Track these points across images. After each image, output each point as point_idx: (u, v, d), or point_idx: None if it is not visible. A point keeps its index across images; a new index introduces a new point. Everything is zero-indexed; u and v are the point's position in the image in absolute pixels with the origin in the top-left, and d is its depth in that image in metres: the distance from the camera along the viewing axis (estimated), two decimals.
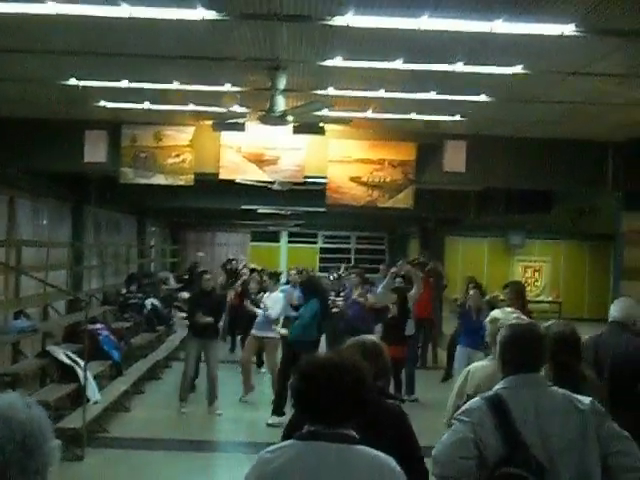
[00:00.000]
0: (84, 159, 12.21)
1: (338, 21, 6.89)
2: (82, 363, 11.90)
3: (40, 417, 2.37)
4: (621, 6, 6.31)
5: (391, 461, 3.28)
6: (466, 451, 3.93)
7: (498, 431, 3.94)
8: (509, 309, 6.31)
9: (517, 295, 11.20)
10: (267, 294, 14.49)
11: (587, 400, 4.13)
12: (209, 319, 13.43)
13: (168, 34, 7.61)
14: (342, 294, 16.71)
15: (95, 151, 12.14)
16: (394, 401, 4.91)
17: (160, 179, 12.47)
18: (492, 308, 13.22)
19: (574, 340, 5.36)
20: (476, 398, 4.20)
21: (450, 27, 6.95)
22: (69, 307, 16.93)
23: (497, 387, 4.22)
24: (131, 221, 25.39)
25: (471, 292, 13.70)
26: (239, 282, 18.56)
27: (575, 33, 6.94)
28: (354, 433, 3.29)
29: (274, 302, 14.07)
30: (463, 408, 4.17)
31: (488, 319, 6.02)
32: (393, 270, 14.17)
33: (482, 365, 6.02)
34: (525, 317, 5.79)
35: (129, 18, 6.85)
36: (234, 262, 24.46)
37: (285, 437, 4.09)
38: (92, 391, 12.01)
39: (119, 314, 19.11)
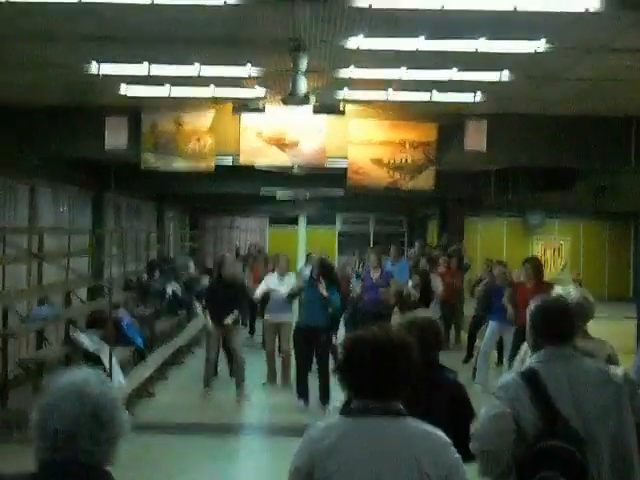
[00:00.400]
0: (105, 146, 12.20)
1: (360, 2, 6.84)
2: (106, 349, 11.94)
3: (112, 392, 2.65)
4: None
5: (442, 434, 3.29)
6: (504, 425, 3.94)
7: (534, 405, 3.94)
8: (570, 286, 6.19)
9: (535, 271, 11.40)
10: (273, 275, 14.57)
11: (620, 370, 4.19)
12: (233, 316, 13.36)
13: (190, 17, 7.58)
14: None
15: (116, 137, 12.13)
16: (452, 374, 5.06)
17: (181, 164, 12.46)
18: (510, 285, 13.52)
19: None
20: (511, 374, 4.22)
21: (473, 6, 6.91)
22: (91, 294, 16.99)
23: (530, 361, 4.24)
24: (150, 207, 25.45)
25: (496, 270, 14.01)
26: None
27: (600, 8, 6.87)
28: (402, 406, 3.27)
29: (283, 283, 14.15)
30: (499, 384, 4.17)
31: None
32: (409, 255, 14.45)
33: None
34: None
35: (151, 3, 6.83)
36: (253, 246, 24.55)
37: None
38: (117, 376, 12.05)
39: (140, 300, 19.14)
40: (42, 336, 13.64)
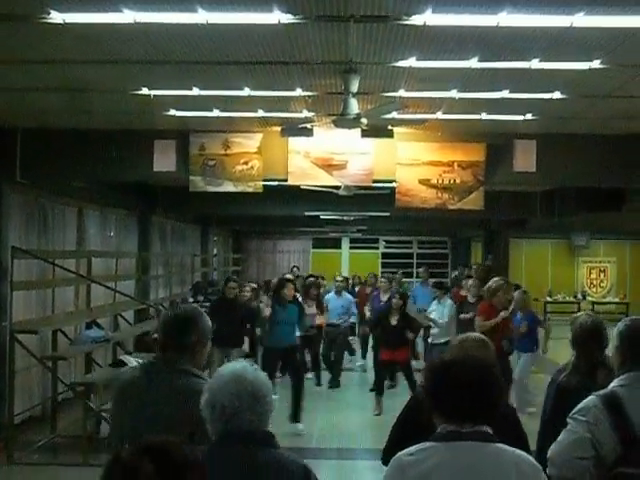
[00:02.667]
0: (154, 168, 12.27)
1: (415, 20, 6.81)
2: None
3: (263, 377, 3.45)
4: None
5: (532, 459, 3.25)
6: (583, 451, 3.86)
7: (614, 430, 3.86)
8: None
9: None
10: None
11: None
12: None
13: (242, 40, 7.58)
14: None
15: (164, 160, 12.19)
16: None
17: (229, 186, 12.48)
18: None
19: (599, 330, 5.51)
20: (592, 396, 4.10)
21: (529, 23, 6.84)
22: (138, 317, 17.08)
23: (613, 384, 4.14)
24: (195, 231, 25.59)
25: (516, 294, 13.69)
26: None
27: None
28: (490, 430, 3.24)
29: None
30: (579, 406, 4.08)
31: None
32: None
33: None
34: None
35: (206, 24, 6.86)
36: (295, 269, 24.49)
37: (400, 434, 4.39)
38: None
39: None
40: (90, 358, 13.71)
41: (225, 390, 3.34)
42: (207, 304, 19.88)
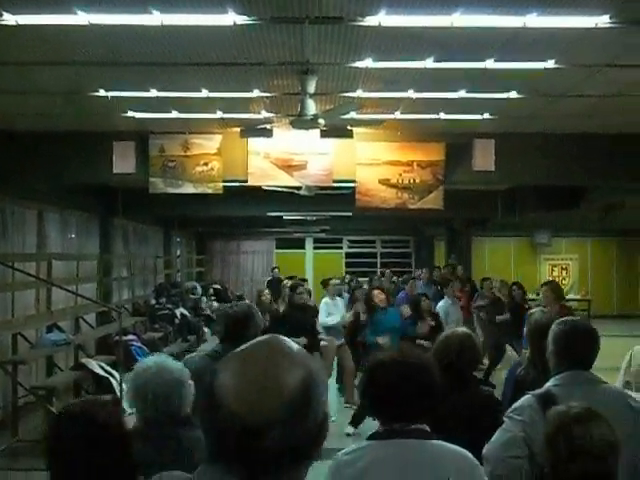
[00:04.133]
0: (113, 170, 12.21)
1: (370, 21, 6.85)
2: (117, 374, 11.90)
3: (182, 366, 4.05)
4: None
5: (470, 455, 3.27)
6: (516, 450, 3.93)
7: None
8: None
9: (555, 295, 11.01)
10: None
11: (639, 396, 4.23)
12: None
13: (198, 41, 7.59)
14: None
15: (124, 162, 12.13)
16: (488, 389, 4.99)
17: (189, 188, 12.46)
18: None
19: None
20: (527, 395, 4.17)
21: (483, 23, 6.90)
22: (100, 319, 16.97)
23: (549, 384, 4.21)
24: (157, 232, 25.45)
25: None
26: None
27: (609, 24, 6.86)
28: (427, 428, 3.29)
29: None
30: (514, 406, 4.15)
31: None
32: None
33: None
34: None
35: (160, 26, 6.85)
36: (276, 270, 24.16)
37: None
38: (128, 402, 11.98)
39: (149, 325, 19.15)
40: (52, 362, 13.61)
41: (154, 381, 3.90)
42: (170, 306, 19.93)
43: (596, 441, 3.09)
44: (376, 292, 12.26)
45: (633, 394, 4.48)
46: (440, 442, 3.25)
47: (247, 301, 13.64)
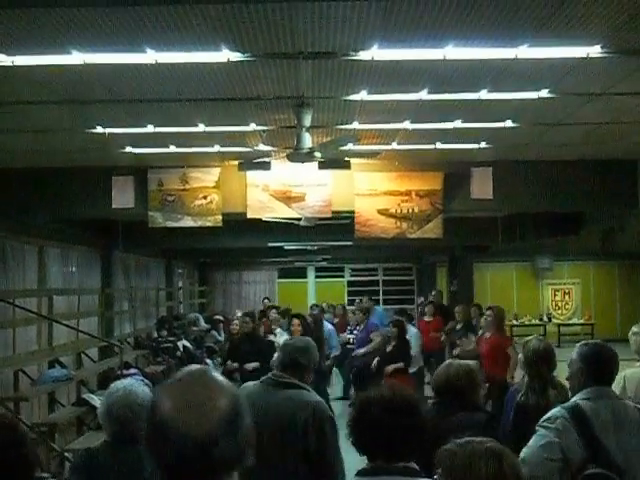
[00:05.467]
0: (112, 205, 12.26)
1: (363, 55, 6.90)
2: None
3: (147, 389, 4.40)
4: None
5: None
6: (552, 453, 4.25)
7: (580, 437, 4.26)
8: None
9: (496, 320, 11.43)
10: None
11: None
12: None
13: (192, 77, 7.64)
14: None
15: (123, 197, 12.19)
16: (480, 414, 5.27)
17: (188, 221, 12.50)
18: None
19: (548, 353, 6.00)
20: (557, 408, 4.51)
21: (475, 56, 6.95)
22: (102, 353, 16.94)
23: (576, 398, 4.55)
24: (159, 264, 25.46)
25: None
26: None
27: (600, 54, 6.91)
28: (415, 466, 3.33)
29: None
30: (546, 416, 4.45)
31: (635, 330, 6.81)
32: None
33: (637, 371, 6.57)
34: None
35: (154, 64, 6.90)
36: (266, 301, 24.25)
37: None
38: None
39: (152, 358, 19.09)
40: (53, 398, 13.58)
41: (120, 402, 4.30)
42: (172, 339, 19.87)
43: None
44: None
45: None
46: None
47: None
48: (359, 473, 3.41)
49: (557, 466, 4.21)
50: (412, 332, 14.61)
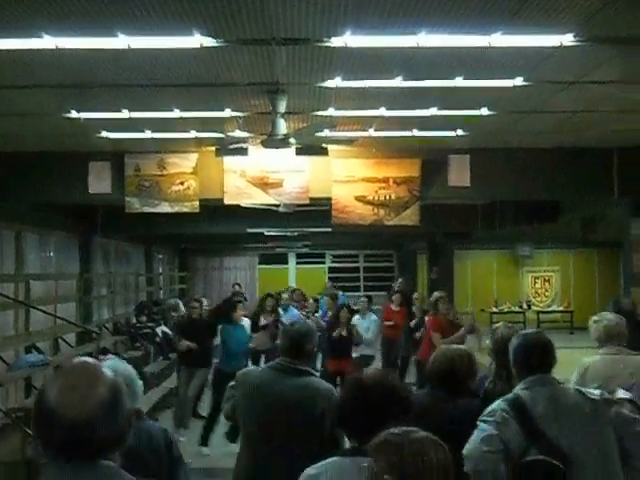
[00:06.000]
0: (89, 190, 12.22)
1: (336, 42, 6.89)
2: None
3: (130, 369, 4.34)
4: (618, 14, 6.30)
5: None
6: (492, 445, 4.24)
7: (520, 427, 4.27)
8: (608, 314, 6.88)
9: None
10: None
11: (597, 391, 4.57)
12: (191, 344, 12.75)
13: (166, 63, 7.62)
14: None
15: (100, 182, 12.16)
16: (472, 400, 5.33)
17: (165, 207, 12.47)
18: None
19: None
20: (497, 401, 4.53)
21: (448, 43, 6.94)
22: (79, 339, 16.90)
23: (517, 388, 4.56)
24: (139, 249, 25.40)
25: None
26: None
27: (574, 43, 6.92)
28: None
29: None
30: (486, 410, 4.46)
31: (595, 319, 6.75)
32: None
33: (598, 359, 6.53)
34: None
35: (127, 49, 6.86)
36: (236, 286, 23.94)
37: None
38: None
39: (130, 343, 19.08)
40: (30, 383, 13.55)
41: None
42: (151, 324, 19.85)
43: None
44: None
45: None
46: None
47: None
48: (341, 454, 3.59)
49: (499, 457, 4.22)
50: (371, 318, 15.01)
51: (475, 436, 4.32)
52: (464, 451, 4.25)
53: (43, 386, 2.38)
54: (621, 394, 4.82)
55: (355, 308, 14.88)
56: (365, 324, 14.61)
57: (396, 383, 3.81)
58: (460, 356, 5.44)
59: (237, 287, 23.30)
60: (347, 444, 3.88)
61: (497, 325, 6.24)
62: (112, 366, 4.17)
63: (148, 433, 4.45)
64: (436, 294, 12.98)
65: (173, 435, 4.56)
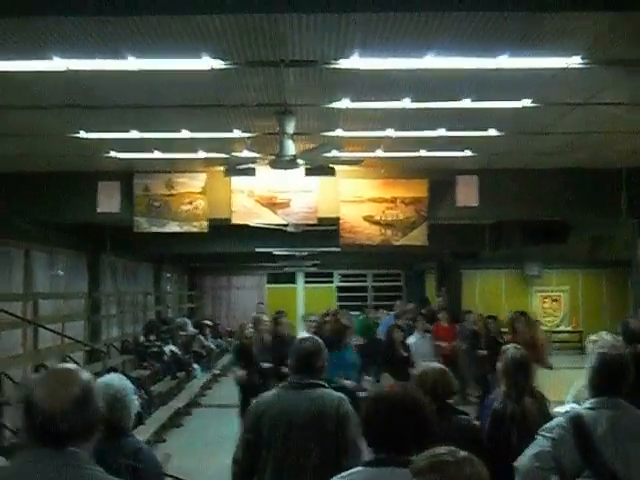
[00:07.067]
0: (98, 210, 12.27)
1: (344, 64, 6.93)
2: None
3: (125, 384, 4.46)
4: (623, 37, 6.33)
5: None
6: (544, 462, 4.27)
7: (577, 446, 4.26)
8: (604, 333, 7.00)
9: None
10: None
11: None
12: None
13: (175, 84, 7.67)
14: None
15: (108, 201, 12.21)
16: (465, 417, 5.47)
17: (174, 227, 12.51)
18: None
19: (525, 362, 6.08)
20: (559, 417, 4.58)
21: (455, 65, 6.98)
22: (88, 357, 16.92)
23: (581, 407, 4.59)
24: (147, 268, 25.43)
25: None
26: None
27: (581, 65, 6.96)
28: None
29: None
30: (546, 425, 4.49)
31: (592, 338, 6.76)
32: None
33: None
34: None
35: (136, 71, 6.91)
36: (261, 305, 23.65)
37: None
38: None
39: (138, 362, 19.08)
40: None
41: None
42: (159, 343, 19.86)
43: None
44: None
45: None
46: None
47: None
48: (367, 464, 3.68)
49: (549, 475, 4.24)
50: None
51: (530, 449, 4.37)
52: (515, 463, 4.35)
53: (31, 385, 2.98)
54: None
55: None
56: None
57: (419, 399, 3.86)
58: (441, 374, 5.48)
59: (261, 306, 23.07)
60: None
61: (506, 347, 6.31)
62: (108, 380, 4.50)
63: (124, 450, 4.33)
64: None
65: (150, 458, 4.41)
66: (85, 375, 2.95)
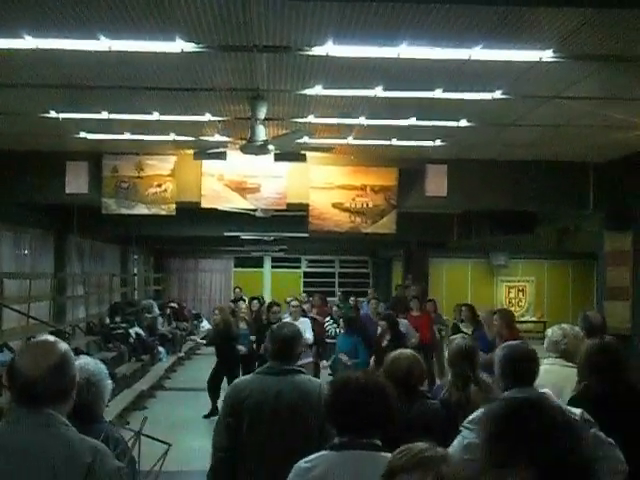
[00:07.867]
0: (66, 190, 12.16)
1: (317, 51, 6.92)
2: None
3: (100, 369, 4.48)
4: (596, 32, 6.37)
5: None
6: (472, 454, 4.14)
7: None
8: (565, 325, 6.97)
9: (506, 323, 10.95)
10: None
11: (578, 411, 4.53)
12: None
13: (147, 66, 7.62)
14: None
15: (76, 182, 12.10)
16: (435, 402, 5.56)
17: (142, 209, 12.44)
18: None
19: (471, 352, 6.13)
20: (481, 408, 4.53)
21: (428, 55, 6.99)
22: None
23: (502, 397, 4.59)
24: (114, 250, 25.27)
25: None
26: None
27: (553, 59, 6.99)
28: (379, 442, 3.70)
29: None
30: (469, 418, 4.54)
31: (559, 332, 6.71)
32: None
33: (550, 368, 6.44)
34: None
35: (108, 51, 6.86)
36: (237, 290, 23.51)
37: None
38: None
39: (103, 344, 18.99)
40: (1, 383, 13.44)
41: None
42: (124, 325, 19.77)
43: None
44: None
45: None
46: (389, 454, 3.38)
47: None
48: (331, 447, 3.76)
49: (476, 466, 4.27)
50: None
51: (457, 442, 4.41)
52: None
53: (16, 353, 3.53)
54: None
55: None
56: None
57: (382, 383, 3.92)
58: (415, 361, 5.53)
59: (237, 290, 22.97)
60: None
61: (454, 337, 6.47)
62: (83, 363, 4.42)
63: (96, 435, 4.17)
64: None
65: (119, 446, 4.12)
66: (64, 346, 3.32)
